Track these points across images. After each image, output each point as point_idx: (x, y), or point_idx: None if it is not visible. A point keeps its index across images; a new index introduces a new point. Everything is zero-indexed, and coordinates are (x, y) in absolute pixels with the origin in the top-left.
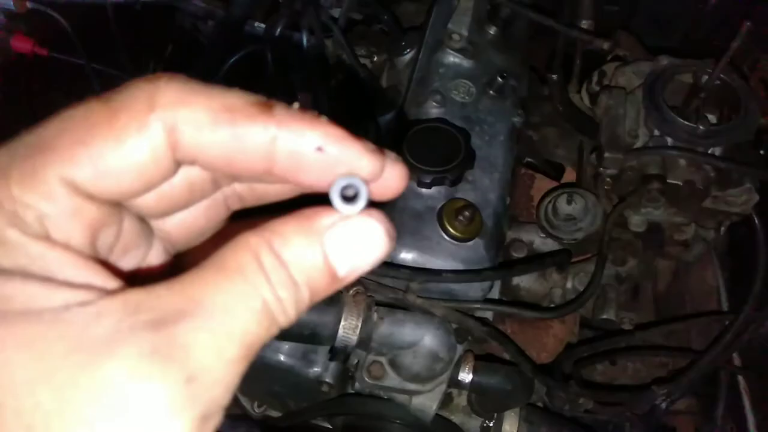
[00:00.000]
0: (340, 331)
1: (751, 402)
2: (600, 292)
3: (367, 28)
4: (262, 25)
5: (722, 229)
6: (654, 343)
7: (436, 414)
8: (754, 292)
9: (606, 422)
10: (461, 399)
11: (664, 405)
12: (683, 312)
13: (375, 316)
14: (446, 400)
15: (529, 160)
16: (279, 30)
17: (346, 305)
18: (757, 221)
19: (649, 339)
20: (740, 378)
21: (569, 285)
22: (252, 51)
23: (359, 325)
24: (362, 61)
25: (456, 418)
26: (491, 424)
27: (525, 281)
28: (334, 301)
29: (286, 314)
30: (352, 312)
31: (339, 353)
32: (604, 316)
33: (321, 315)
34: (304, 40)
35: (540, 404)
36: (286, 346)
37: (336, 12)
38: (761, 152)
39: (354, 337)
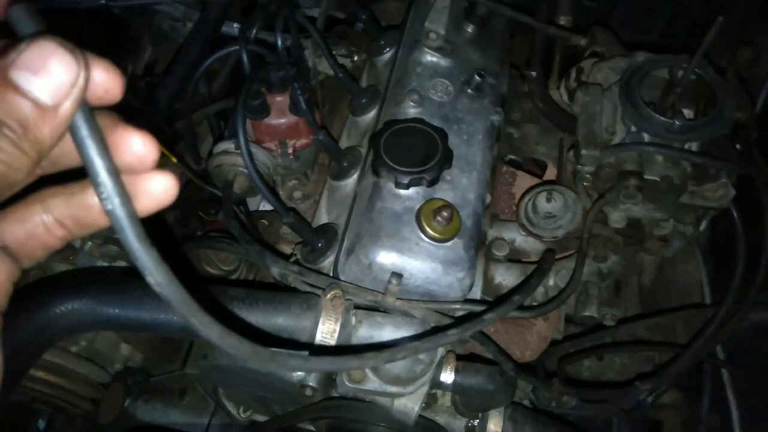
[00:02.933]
0: (318, 335)
1: (735, 395)
2: (582, 288)
3: (348, 27)
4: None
5: (703, 223)
6: (639, 337)
7: (420, 415)
8: (735, 285)
9: (594, 418)
10: (445, 399)
11: (649, 399)
12: (668, 306)
13: (353, 319)
14: (430, 401)
15: (512, 157)
16: (255, 30)
17: (324, 309)
18: (736, 215)
19: (635, 333)
20: (724, 371)
21: (551, 282)
22: (228, 52)
23: (337, 329)
24: (342, 60)
25: (440, 419)
26: (476, 424)
27: (507, 280)
28: (311, 306)
29: None
30: (330, 316)
31: None
32: (586, 313)
33: (298, 320)
34: (279, 41)
35: (527, 402)
36: None
37: (315, 12)
38: (737, 146)
39: (332, 342)
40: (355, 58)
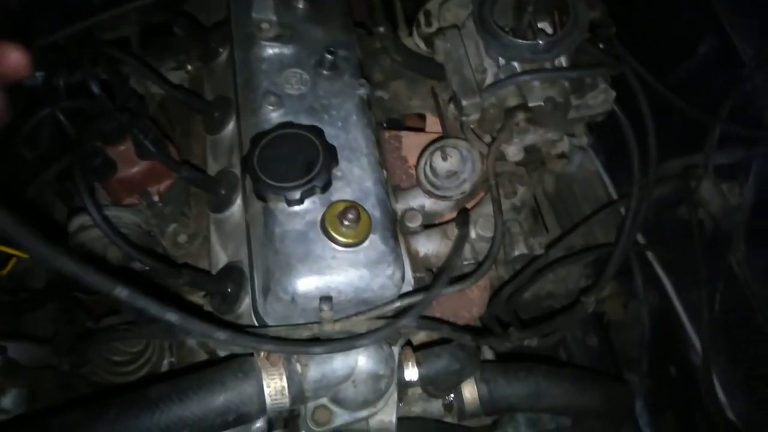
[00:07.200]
0: (268, 399)
1: (663, 268)
2: (504, 230)
3: (169, 36)
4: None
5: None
6: (574, 247)
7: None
8: (636, 177)
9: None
10: (415, 389)
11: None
12: (576, 203)
13: (298, 366)
14: (401, 395)
15: (391, 117)
16: (62, 82)
17: (263, 370)
18: (618, 112)
19: (571, 245)
20: (648, 252)
21: (473, 235)
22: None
23: (285, 385)
24: (175, 74)
25: (416, 409)
26: (452, 398)
27: (430, 248)
28: (247, 371)
29: None
30: (272, 374)
31: (277, 422)
32: (516, 253)
33: (239, 392)
34: (94, 88)
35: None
36: None
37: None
38: (601, 46)
39: (286, 399)
40: (189, 67)
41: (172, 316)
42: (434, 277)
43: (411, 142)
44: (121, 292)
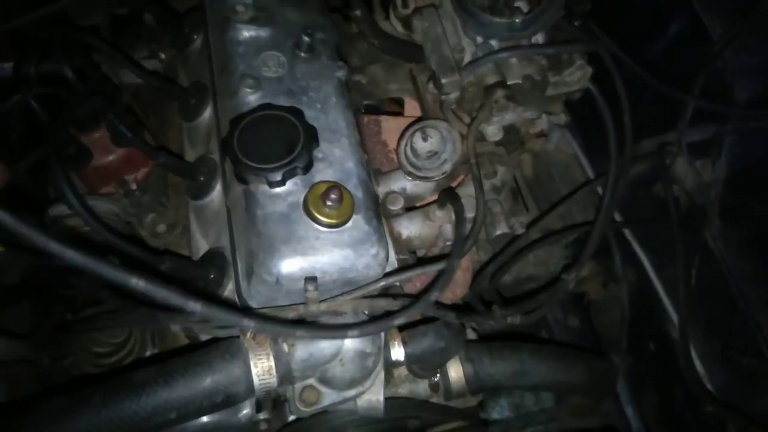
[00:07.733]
0: (256, 379)
1: (641, 246)
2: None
3: (140, 24)
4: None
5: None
6: (552, 228)
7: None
8: (613, 154)
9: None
10: (401, 370)
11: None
12: (554, 185)
13: (285, 346)
14: (387, 377)
15: (368, 102)
16: (33, 68)
17: (250, 350)
18: (594, 89)
19: (549, 227)
20: (625, 230)
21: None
22: (12, 105)
23: (272, 364)
24: (149, 63)
25: (403, 390)
26: (438, 379)
27: (413, 230)
28: (234, 352)
29: None
30: (259, 354)
31: (266, 402)
32: (498, 232)
33: (226, 373)
34: (69, 73)
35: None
36: None
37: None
38: (576, 24)
39: (273, 379)
40: (162, 56)
41: (195, 306)
42: (452, 249)
43: (390, 126)
44: (138, 284)
